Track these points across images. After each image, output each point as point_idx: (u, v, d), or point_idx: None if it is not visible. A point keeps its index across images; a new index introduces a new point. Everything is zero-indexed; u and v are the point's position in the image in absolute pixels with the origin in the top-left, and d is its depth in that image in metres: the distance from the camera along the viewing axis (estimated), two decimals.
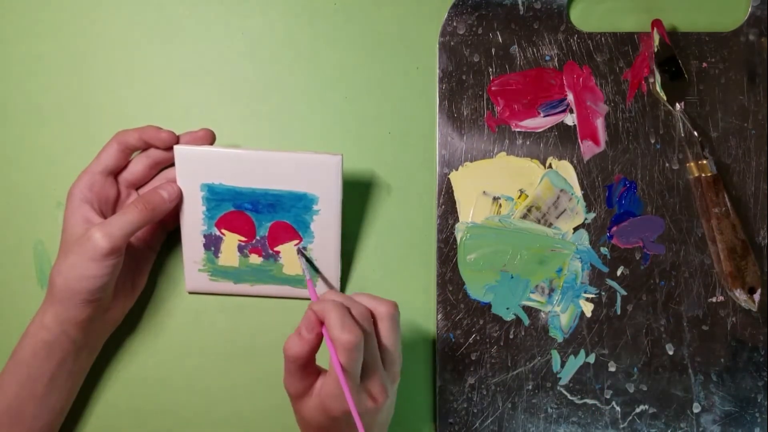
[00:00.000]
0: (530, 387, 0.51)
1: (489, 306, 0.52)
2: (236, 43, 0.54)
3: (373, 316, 0.43)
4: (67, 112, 0.54)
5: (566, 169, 0.52)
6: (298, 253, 0.50)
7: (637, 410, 0.51)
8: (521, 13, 0.52)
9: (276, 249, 0.50)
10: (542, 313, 0.51)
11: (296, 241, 0.50)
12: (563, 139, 0.52)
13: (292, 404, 0.44)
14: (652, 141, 0.51)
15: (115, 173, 0.49)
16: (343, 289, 0.53)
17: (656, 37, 0.51)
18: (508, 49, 0.52)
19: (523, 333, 0.51)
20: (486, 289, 0.52)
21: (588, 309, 0.51)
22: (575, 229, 0.52)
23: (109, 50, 0.54)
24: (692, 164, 0.50)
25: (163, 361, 0.53)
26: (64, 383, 0.48)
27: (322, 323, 0.41)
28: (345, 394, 0.39)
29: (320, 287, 0.51)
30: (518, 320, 0.51)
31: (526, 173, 0.52)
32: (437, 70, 0.52)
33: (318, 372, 0.43)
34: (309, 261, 0.51)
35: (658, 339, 0.51)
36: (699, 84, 0.52)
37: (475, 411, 0.51)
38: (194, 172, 0.48)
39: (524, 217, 0.52)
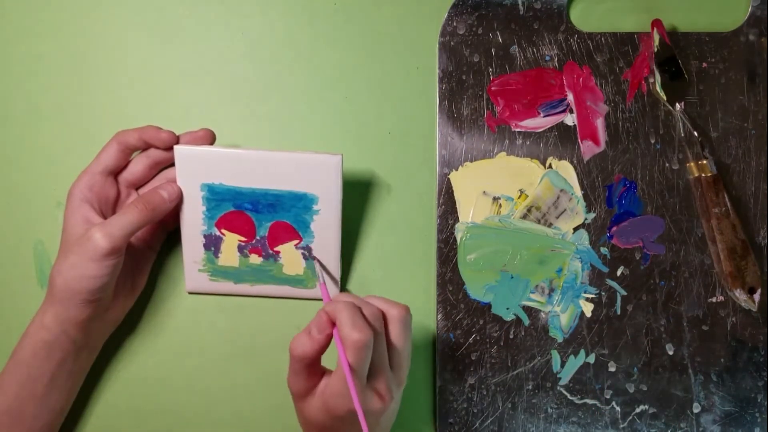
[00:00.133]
0: (530, 387, 0.51)
1: (489, 306, 0.52)
2: (236, 43, 0.54)
3: (384, 318, 0.43)
4: (67, 112, 0.54)
5: (566, 169, 0.52)
6: (312, 258, 0.50)
7: (637, 410, 0.51)
8: (521, 13, 0.52)
9: (276, 249, 0.50)
10: (542, 313, 0.51)
11: (296, 241, 0.50)
12: (563, 139, 0.52)
13: (295, 404, 0.44)
14: (652, 141, 0.51)
15: (115, 173, 0.49)
16: (343, 289, 0.53)
17: (656, 37, 0.51)
18: (508, 49, 0.52)
19: (523, 333, 0.51)
20: (486, 289, 0.52)
21: (588, 309, 0.51)
22: (575, 229, 0.52)
23: (109, 50, 0.54)
24: (692, 164, 0.50)
25: (163, 361, 0.53)
26: (64, 383, 0.48)
27: (333, 325, 0.41)
28: (351, 392, 0.39)
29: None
30: (518, 320, 0.51)
31: (526, 173, 0.52)
32: (437, 70, 0.52)
33: (323, 372, 0.43)
34: (322, 265, 0.51)
35: (658, 339, 0.51)
36: (699, 84, 0.52)
37: (475, 411, 0.51)
38: (194, 172, 0.48)
39: (524, 217, 0.52)
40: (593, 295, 0.51)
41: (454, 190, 0.52)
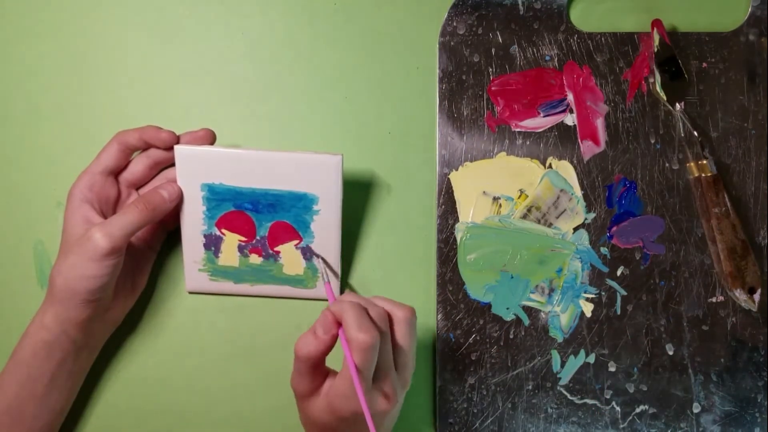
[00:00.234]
0: (530, 387, 0.51)
1: (489, 306, 0.52)
2: (236, 43, 0.54)
3: (390, 319, 0.43)
4: (67, 112, 0.54)
5: (566, 169, 0.52)
6: (317, 257, 0.50)
7: (637, 410, 0.51)
8: (521, 13, 0.52)
9: (276, 249, 0.50)
10: (542, 313, 0.51)
11: (296, 241, 0.50)
12: (563, 139, 0.52)
13: (298, 404, 0.44)
14: (652, 141, 0.52)
15: (116, 173, 0.49)
16: (343, 289, 0.53)
17: (656, 37, 0.51)
18: (508, 49, 0.52)
19: (523, 333, 0.51)
20: (486, 289, 0.52)
21: (588, 309, 0.51)
22: (575, 229, 0.52)
23: (109, 50, 0.54)
24: (692, 164, 0.50)
25: (163, 361, 0.53)
26: (64, 383, 0.48)
27: (339, 325, 0.41)
28: (358, 393, 0.38)
29: (321, 288, 0.51)
30: (518, 320, 0.51)
31: (526, 173, 0.52)
32: (437, 70, 0.52)
33: (327, 373, 0.43)
34: (327, 264, 0.50)
35: (658, 339, 0.51)
36: (699, 84, 0.52)
37: (475, 411, 0.51)
38: (194, 172, 0.48)
39: (524, 217, 0.52)
40: (593, 295, 0.51)
41: (454, 190, 0.52)
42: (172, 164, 0.49)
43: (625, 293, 0.51)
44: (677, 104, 0.51)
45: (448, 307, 0.52)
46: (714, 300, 0.51)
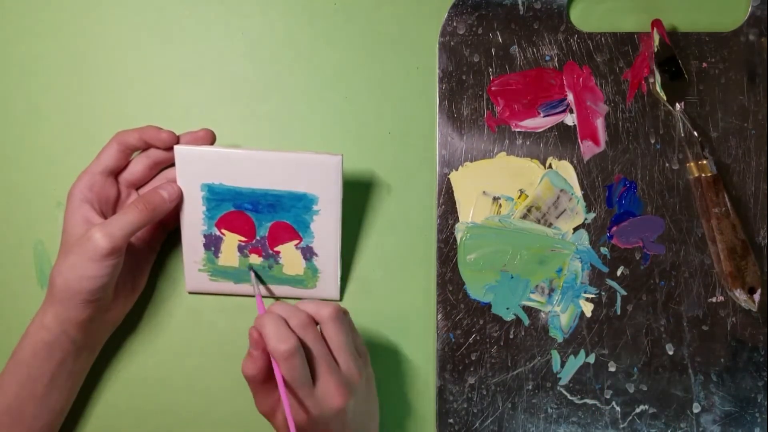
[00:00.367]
0: (530, 387, 0.51)
1: (489, 306, 0.52)
2: (236, 43, 0.54)
3: (321, 320, 0.43)
4: (67, 112, 0.54)
5: (566, 169, 0.52)
6: (249, 269, 0.50)
7: (637, 410, 0.51)
8: (521, 13, 0.52)
9: (276, 249, 0.50)
10: (542, 313, 0.51)
11: (296, 241, 0.50)
12: (563, 139, 0.52)
13: (271, 424, 0.45)
14: (652, 141, 0.51)
15: (116, 173, 0.49)
16: (343, 289, 0.53)
17: (656, 37, 0.51)
18: (508, 49, 0.52)
19: (523, 333, 0.51)
20: (486, 289, 0.52)
21: (588, 309, 0.51)
22: (575, 229, 0.52)
23: (109, 50, 0.54)
24: (692, 164, 0.50)
25: (163, 361, 0.53)
26: (64, 383, 0.48)
27: None
28: (283, 400, 0.39)
29: (321, 288, 0.51)
30: (518, 320, 0.51)
31: (526, 173, 0.52)
32: (437, 70, 0.52)
33: None
34: (258, 277, 0.51)
35: (658, 339, 0.51)
36: (699, 84, 0.52)
37: (475, 411, 0.51)
38: (194, 172, 0.48)
39: (524, 217, 0.52)
40: (593, 295, 0.51)
41: (454, 190, 0.52)
42: (172, 164, 0.49)
43: (625, 293, 0.51)
44: (677, 104, 0.51)
45: (448, 307, 0.52)
46: (714, 300, 0.51)
